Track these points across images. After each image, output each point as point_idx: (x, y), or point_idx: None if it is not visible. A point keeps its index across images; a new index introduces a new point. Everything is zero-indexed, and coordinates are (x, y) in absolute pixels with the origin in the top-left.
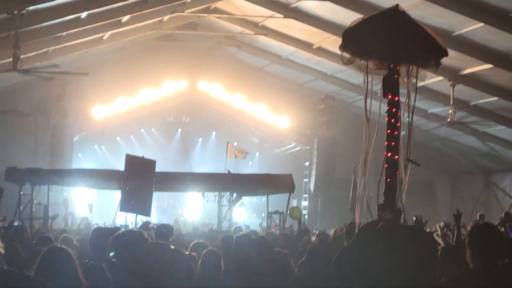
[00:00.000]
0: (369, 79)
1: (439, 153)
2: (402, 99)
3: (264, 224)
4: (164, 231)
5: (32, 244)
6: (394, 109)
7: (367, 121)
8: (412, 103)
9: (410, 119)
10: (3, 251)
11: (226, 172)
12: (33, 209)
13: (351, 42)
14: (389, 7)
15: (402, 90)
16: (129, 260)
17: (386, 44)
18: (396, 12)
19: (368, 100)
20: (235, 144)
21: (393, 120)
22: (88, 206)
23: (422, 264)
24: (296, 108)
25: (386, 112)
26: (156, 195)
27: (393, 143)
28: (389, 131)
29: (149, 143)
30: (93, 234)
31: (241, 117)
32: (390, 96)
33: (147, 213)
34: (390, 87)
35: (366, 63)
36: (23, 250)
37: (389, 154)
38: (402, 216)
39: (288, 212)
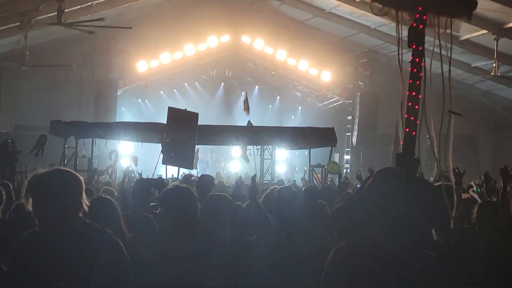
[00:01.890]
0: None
1: (482, 107)
2: (437, 50)
3: (306, 177)
4: (205, 181)
5: None
6: (417, 59)
7: (401, 72)
8: (448, 54)
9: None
10: None
11: (250, 124)
12: (77, 162)
13: None
14: None
15: (437, 42)
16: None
17: None
18: None
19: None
20: (277, 98)
21: (415, 70)
22: (133, 159)
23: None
24: (339, 62)
25: (409, 61)
26: (199, 148)
27: (413, 93)
28: (411, 80)
29: (192, 97)
30: (136, 185)
31: (283, 71)
32: (414, 46)
33: (189, 165)
34: (416, 37)
35: (397, 12)
36: None
37: (409, 104)
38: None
39: (326, 166)
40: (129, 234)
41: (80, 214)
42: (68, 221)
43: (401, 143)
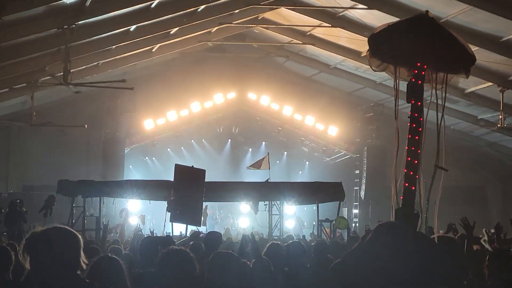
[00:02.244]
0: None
1: (490, 158)
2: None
3: (315, 232)
4: (212, 238)
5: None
6: (416, 114)
7: (397, 129)
8: (441, 109)
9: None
10: None
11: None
12: (85, 221)
13: (377, 47)
14: (418, 13)
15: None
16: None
17: (412, 49)
18: (424, 17)
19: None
20: (284, 154)
21: (414, 125)
22: (141, 218)
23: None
24: (345, 117)
25: (408, 116)
26: (208, 205)
27: (413, 148)
28: (410, 136)
29: (199, 154)
30: (143, 243)
31: (290, 126)
32: (413, 101)
33: (197, 222)
34: (414, 92)
35: (395, 68)
36: None
37: (408, 159)
38: (419, 221)
39: (334, 221)
40: None
41: (79, 272)
42: (65, 279)
43: (401, 198)
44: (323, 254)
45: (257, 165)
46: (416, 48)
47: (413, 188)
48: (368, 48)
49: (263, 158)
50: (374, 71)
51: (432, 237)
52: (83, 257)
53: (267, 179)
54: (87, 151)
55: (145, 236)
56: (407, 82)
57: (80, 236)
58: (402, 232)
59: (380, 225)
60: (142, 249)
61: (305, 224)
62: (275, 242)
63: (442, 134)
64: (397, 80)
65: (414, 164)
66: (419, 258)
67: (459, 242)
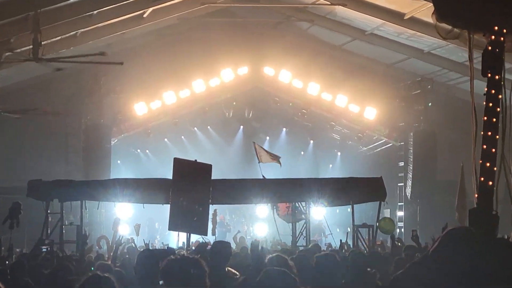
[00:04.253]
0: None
1: None
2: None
3: (349, 240)
4: (218, 250)
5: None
6: (493, 91)
7: (474, 108)
8: None
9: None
10: None
11: (262, 177)
12: (63, 231)
13: (446, 9)
14: None
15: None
16: None
17: (488, 10)
18: None
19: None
20: (310, 143)
21: (491, 104)
22: (135, 228)
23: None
24: (386, 96)
25: (484, 94)
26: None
27: (490, 133)
28: (486, 118)
29: (205, 144)
30: (140, 258)
31: (317, 109)
32: (490, 75)
33: (203, 231)
34: (491, 63)
35: (469, 35)
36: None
37: (484, 147)
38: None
39: (377, 224)
40: None
41: None
42: None
43: (476, 196)
44: (360, 268)
45: (266, 157)
46: (493, 9)
47: (491, 183)
48: (433, 11)
49: (259, 149)
50: (444, 39)
51: None
52: None
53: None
54: (64, 143)
55: (139, 249)
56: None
57: None
58: (476, 240)
59: (448, 232)
60: (139, 265)
61: (338, 230)
62: (280, 255)
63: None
64: (472, 50)
65: (492, 154)
66: (502, 274)
67: None
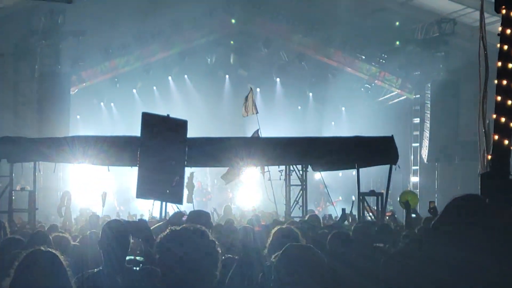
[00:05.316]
0: None
1: None
2: None
3: (354, 211)
4: (197, 221)
5: None
6: (508, 31)
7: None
8: None
9: None
10: None
11: (256, 135)
12: (13, 198)
13: None
14: None
15: None
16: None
17: None
18: None
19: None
20: (310, 96)
21: (506, 47)
22: (102, 196)
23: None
24: (398, 39)
25: (498, 34)
26: (194, 172)
27: (504, 83)
28: (500, 63)
29: (180, 96)
30: (105, 232)
31: (316, 53)
32: (505, 11)
33: (176, 198)
34: None
35: None
36: None
37: (498, 98)
38: None
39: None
40: None
41: None
42: None
43: (488, 157)
44: (367, 244)
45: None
46: None
47: (507, 142)
48: None
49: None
50: None
51: None
52: None
53: (256, 131)
54: (13, 93)
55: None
56: None
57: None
58: (486, 211)
59: (452, 203)
60: (104, 241)
61: (340, 198)
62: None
63: None
64: None
65: (507, 107)
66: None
67: None
